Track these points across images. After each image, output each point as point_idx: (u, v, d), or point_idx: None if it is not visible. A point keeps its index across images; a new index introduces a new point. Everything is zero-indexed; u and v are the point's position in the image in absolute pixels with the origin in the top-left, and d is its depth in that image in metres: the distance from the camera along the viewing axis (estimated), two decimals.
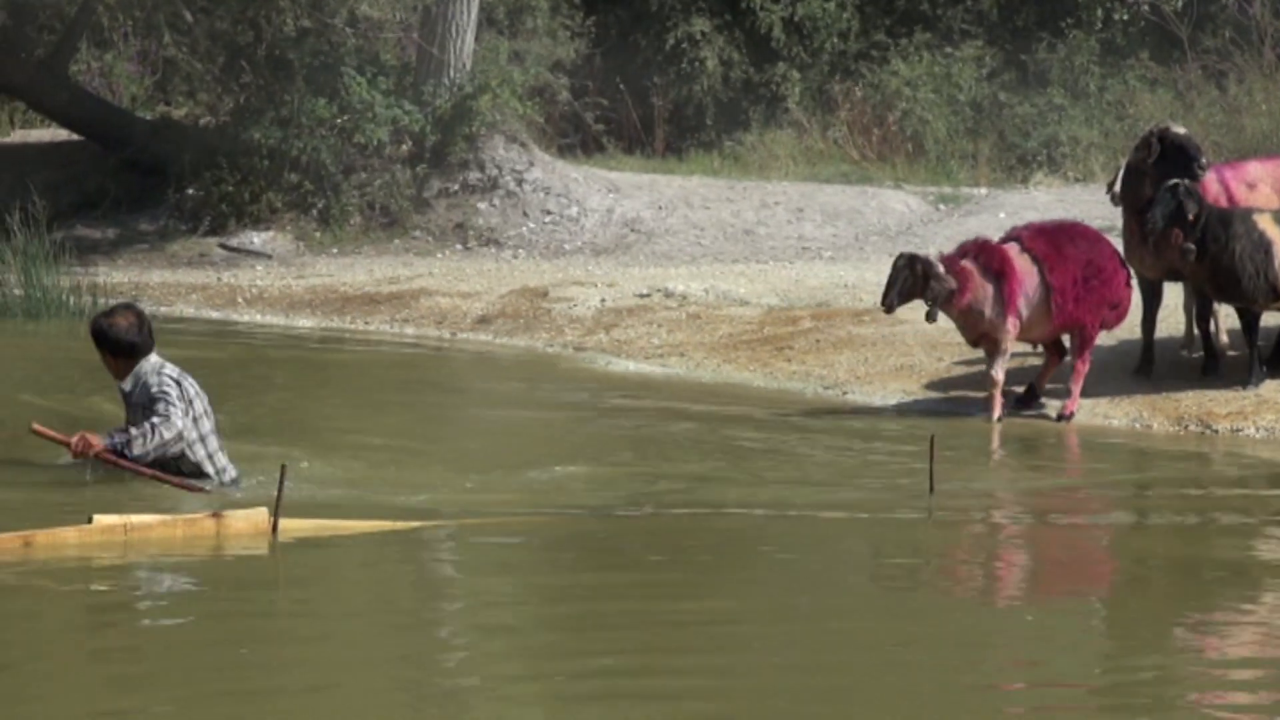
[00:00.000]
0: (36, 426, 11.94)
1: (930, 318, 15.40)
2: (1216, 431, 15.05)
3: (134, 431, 11.98)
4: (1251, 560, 11.32)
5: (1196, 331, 16.27)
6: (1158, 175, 15.55)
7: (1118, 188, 16.05)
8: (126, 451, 11.90)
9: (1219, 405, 15.43)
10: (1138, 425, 15.31)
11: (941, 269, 15.05)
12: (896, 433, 14.71)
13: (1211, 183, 16.18)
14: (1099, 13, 30.57)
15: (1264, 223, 15.54)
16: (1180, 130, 16.18)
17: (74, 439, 11.84)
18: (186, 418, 12.18)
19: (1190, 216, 15.12)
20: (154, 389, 12.17)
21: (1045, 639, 9.34)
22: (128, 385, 12.40)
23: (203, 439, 12.28)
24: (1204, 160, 15.86)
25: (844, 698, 8.16)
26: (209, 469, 12.16)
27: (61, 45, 27.99)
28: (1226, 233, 15.30)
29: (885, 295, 15.26)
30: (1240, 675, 8.73)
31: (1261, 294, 15.51)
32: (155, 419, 12.00)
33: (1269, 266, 15.39)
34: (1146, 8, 30.38)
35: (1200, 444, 14.77)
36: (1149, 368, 15.99)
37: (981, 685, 8.44)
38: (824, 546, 11.21)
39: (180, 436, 12.06)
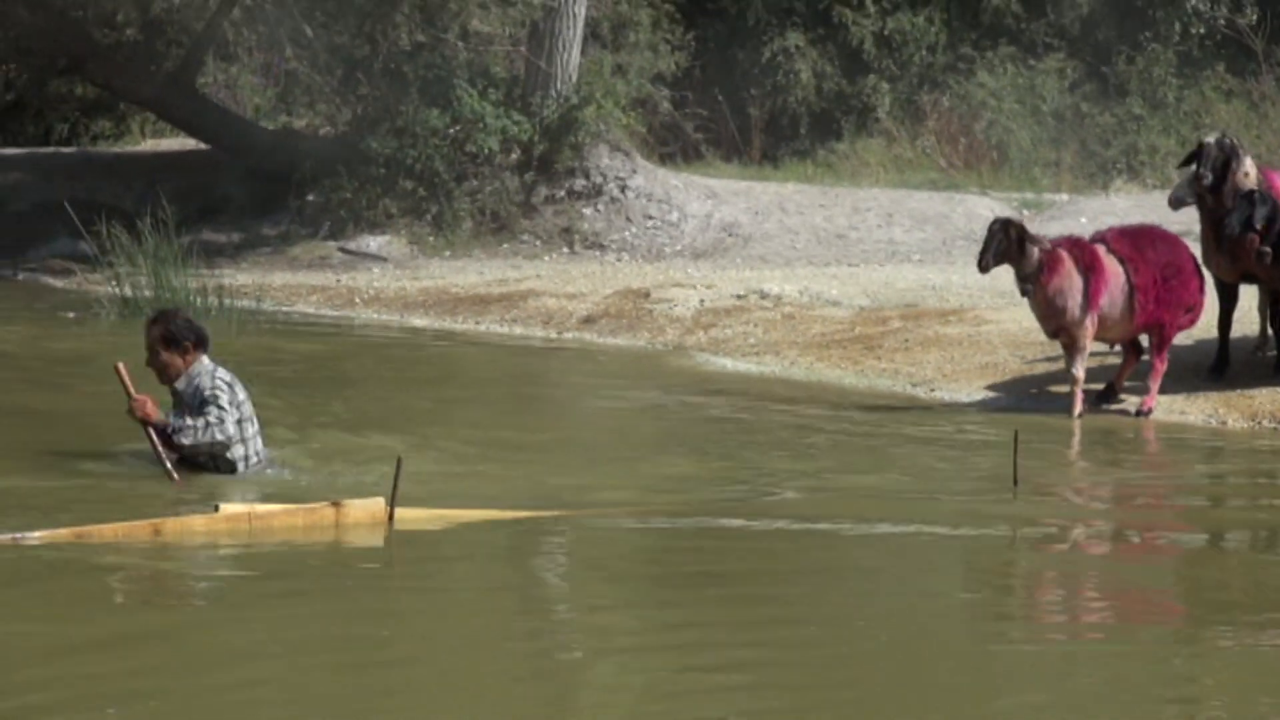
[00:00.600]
0: (120, 365, 12.02)
1: (1023, 291, 15.31)
2: None
3: (189, 421, 11.96)
4: None
5: (1270, 332, 16.18)
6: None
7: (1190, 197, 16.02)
8: (175, 437, 11.93)
9: None
10: (1213, 421, 15.22)
11: (1032, 232, 15.12)
12: (981, 428, 14.64)
13: None
14: (1176, 26, 30.41)
15: None
16: (1208, 139, 16.06)
17: (139, 397, 11.90)
18: (236, 423, 12.07)
19: (1263, 223, 15.07)
20: (206, 391, 12.07)
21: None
22: (181, 384, 12.21)
23: (244, 440, 12.16)
24: (1204, 170, 15.57)
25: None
26: (241, 466, 12.14)
27: (189, 59, 28.11)
28: None
29: (981, 257, 15.25)
30: None
31: None
32: (210, 419, 11.97)
33: None
34: (1222, 22, 30.23)
35: (1275, 439, 14.67)
36: (1224, 366, 15.89)
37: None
38: (914, 540, 11.18)
39: (228, 442, 12.02)
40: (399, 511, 10.71)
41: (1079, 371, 15.22)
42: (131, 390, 11.93)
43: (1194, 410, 15.42)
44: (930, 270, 21.95)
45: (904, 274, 21.74)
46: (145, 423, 11.87)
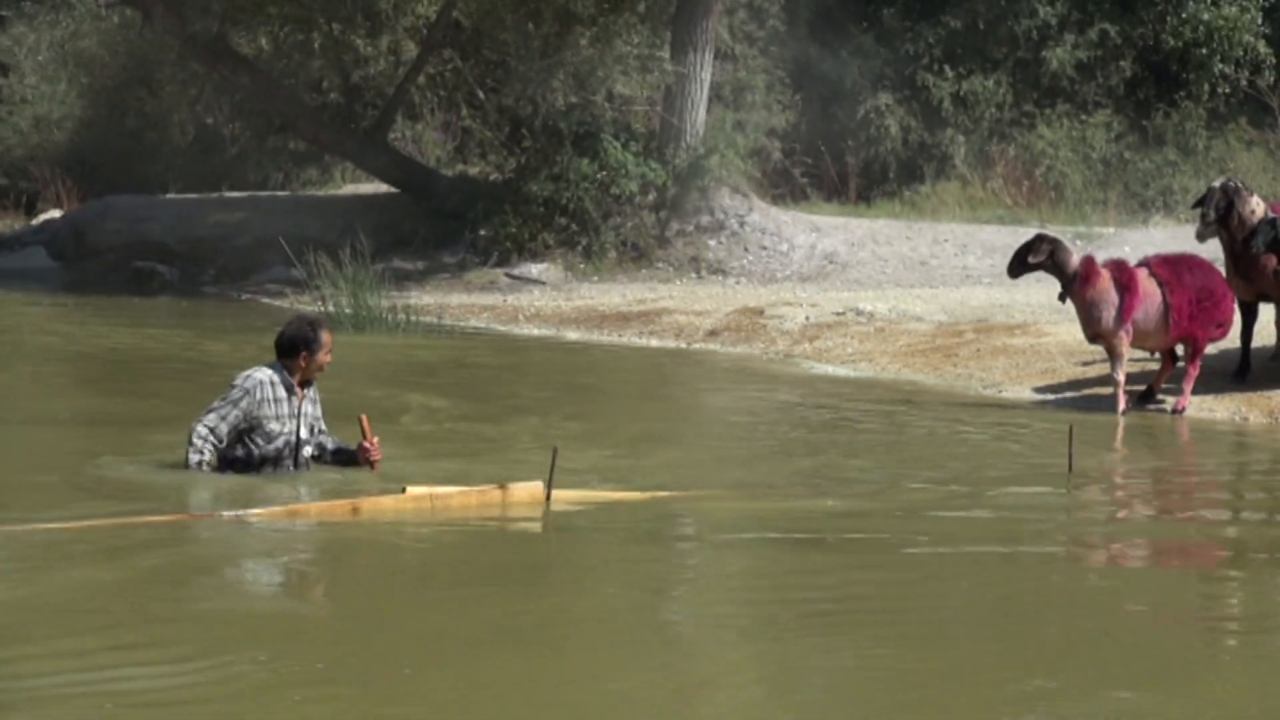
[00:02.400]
0: (364, 418, 11.50)
1: (1060, 297, 15.29)
2: None
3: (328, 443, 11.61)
4: None
5: None
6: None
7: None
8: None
9: None
10: (1237, 418, 15.08)
11: (1070, 251, 15.02)
12: (1041, 423, 14.55)
13: None
14: (1205, 87, 30.24)
15: None
16: (1215, 183, 16.11)
17: (371, 442, 11.36)
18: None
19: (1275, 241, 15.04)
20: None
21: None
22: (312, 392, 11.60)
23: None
24: (1207, 209, 15.63)
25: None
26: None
27: (382, 118, 28.25)
28: None
29: (1011, 265, 15.35)
30: None
31: None
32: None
33: None
34: (1244, 83, 30.08)
35: None
36: (1246, 371, 15.77)
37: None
38: (985, 515, 11.12)
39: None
40: (555, 492, 10.72)
41: (1120, 375, 15.12)
42: (368, 436, 11.40)
43: (1221, 409, 15.29)
44: (998, 291, 21.82)
45: (976, 294, 21.63)
46: (373, 465, 11.45)
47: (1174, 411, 15.23)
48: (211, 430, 11.10)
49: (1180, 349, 15.54)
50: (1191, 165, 28.56)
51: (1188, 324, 15.18)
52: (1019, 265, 15.45)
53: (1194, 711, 7.09)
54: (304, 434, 11.35)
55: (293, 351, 11.24)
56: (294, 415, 11.30)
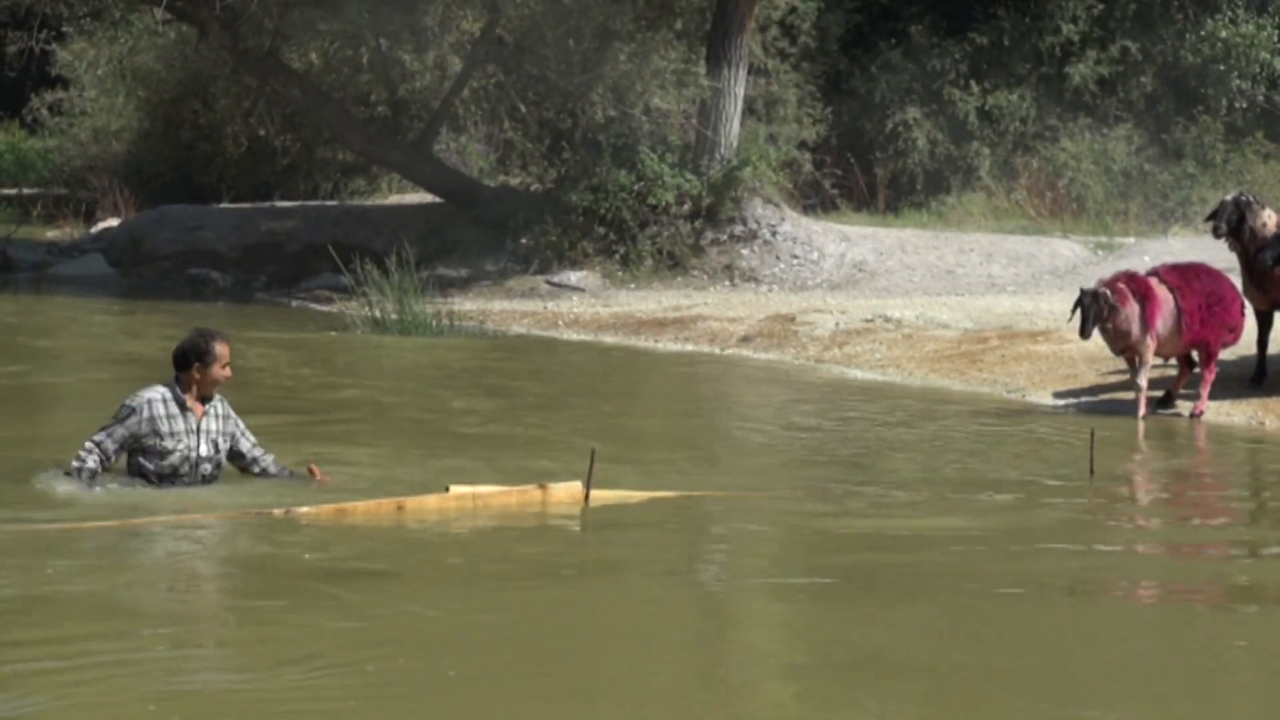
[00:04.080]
0: (314, 468, 11.22)
1: (1085, 334, 15.20)
2: None
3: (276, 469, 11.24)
4: None
5: None
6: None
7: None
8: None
9: None
10: (1254, 422, 15.01)
11: (1110, 296, 14.93)
12: (1063, 426, 14.51)
13: None
14: (1223, 102, 30.23)
15: None
16: (1227, 197, 16.24)
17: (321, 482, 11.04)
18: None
19: None
20: (235, 417, 11.14)
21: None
22: (218, 402, 11.08)
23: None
24: (1218, 222, 15.85)
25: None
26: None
27: (427, 131, 28.29)
28: None
29: (1083, 330, 15.07)
30: None
31: None
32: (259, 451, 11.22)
33: None
34: (1261, 98, 30.05)
35: None
36: (1263, 377, 15.70)
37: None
38: (1005, 514, 11.09)
39: None
40: (592, 492, 10.72)
41: (1143, 381, 15.08)
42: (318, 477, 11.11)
43: (1238, 413, 15.23)
44: (1022, 299, 21.78)
45: (1001, 302, 21.57)
46: None
47: (1192, 416, 15.16)
48: (98, 444, 10.66)
49: (1194, 355, 15.50)
50: (1210, 178, 28.52)
51: (1200, 328, 15.15)
52: (1092, 326, 15.21)
53: None
54: (205, 450, 10.83)
55: (185, 364, 10.79)
56: (191, 431, 10.80)
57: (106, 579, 8.80)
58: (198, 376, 10.77)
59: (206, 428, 10.88)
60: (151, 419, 10.69)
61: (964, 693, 7.17)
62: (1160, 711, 7.02)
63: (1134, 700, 7.10)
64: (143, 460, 10.74)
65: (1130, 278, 15.31)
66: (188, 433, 10.80)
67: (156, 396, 10.75)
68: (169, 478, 10.75)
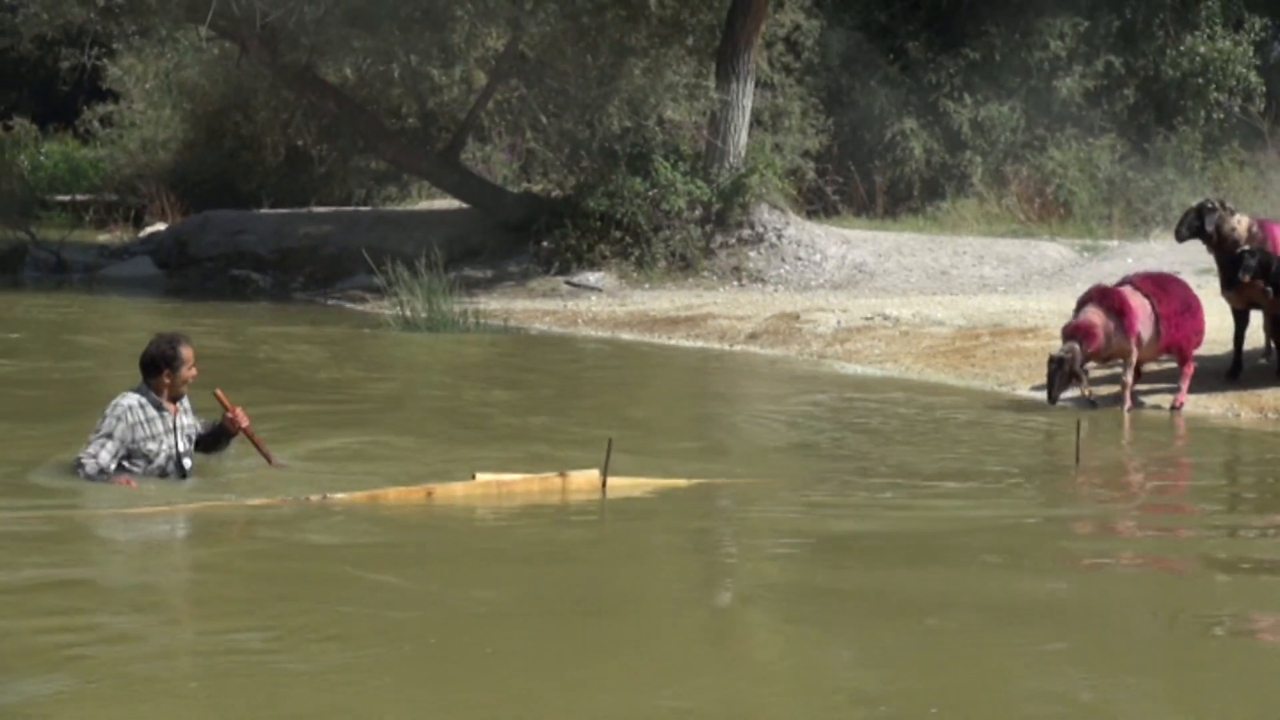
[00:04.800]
0: (218, 390, 10.95)
1: (1052, 400, 14.98)
2: None
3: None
4: None
5: (1273, 344, 15.97)
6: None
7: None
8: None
9: None
10: (1230, 414, 15.01)
11: (1079, 359, 14.79)
12: (1050, 418, 14.50)
13: None
14: (1202, 113, 30.25)
15: None
16: (1194, 203, 16.69)
17: (234, 411, 10.85)
18: None
19: (1251, 273, 15.04)
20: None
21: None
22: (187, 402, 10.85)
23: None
24: (1181, 229, 16.15)
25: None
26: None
27: (455, 141, 28.31)
28: None
29: (1050, 395, 14.92)
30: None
31: None
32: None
33: None
34: (1237, 109, 30.03)
35: (1277, 427, 14.47)
36: (1238, 372, 15.69)
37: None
38: (995, 499, 11.10)
39: None
40: (610, 480, 10.74)
41: (1129, 377, 15.08)
42: (225, 405, 10.89)
43: (1215, 406, 15.22)
44: (1012, 298, 21.77)
45: (992, 301, 21.56)
46: (245, 431, 10.91)
47: (1172, 408, 15.16)
48: (94, 457, 10.39)
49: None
50: (1189, 184, 28.49)
51: (1175, 333, 15.15)
52: (1058, 393, 15.00)
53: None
54: (183, 446, 10.69)
55: (155, 370, 10.56)
56: (169, 430, 10.64)
57: (151, 563, 8.82)
58: (167, 380, 10.56)
59: (181, 424, 10.73)
60: (134, 425, 10.50)
61: (953, 631, 7.19)
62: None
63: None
64: (128, 465, 10.52)
65: (1103, 294, 15.20)
66: (166, 432, 10.63)
67: (134, 403, 10.54)
68: (156, 479, 10.56)
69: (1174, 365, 15.72)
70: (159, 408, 10.60)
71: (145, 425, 10.54)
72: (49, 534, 9.18)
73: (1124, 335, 14.91)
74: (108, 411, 10.53)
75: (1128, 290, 15.18)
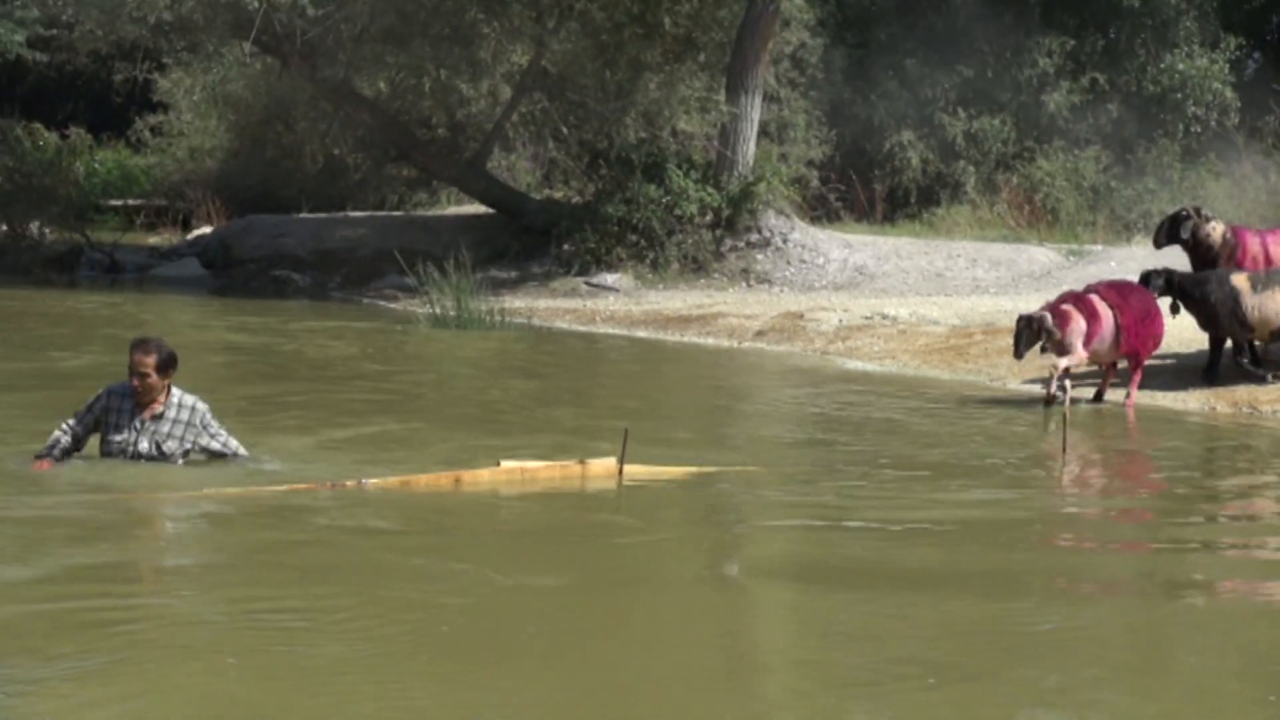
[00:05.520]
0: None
1: (1018, 355, 14.96)
2: (1261, 412, 14.72)
3: (231, 449, 10.48)
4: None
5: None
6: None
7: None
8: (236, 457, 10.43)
9: (1262, 394, 15.10)
10: (1206, 408, 14.99)
11: (1050, 321, 14.69)
12: (1039, 410, 14.48)
13: (1254, 245, 16.03)
14: (1180, 126, 30.24)
15: (1237, 280, 15.18)
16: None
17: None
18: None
19: (1159, 291, 15.21)
20: (203, 412, 10.42)
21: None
22: (162, 407, 10.29)
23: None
24: (1157, 235, 16.56)
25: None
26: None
27: (481, 150, 28.31)
28: (1202, 291, 15.02)
29: (1016, 349, 14.84)
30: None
31: (1236, 328, 15.19)
32: (234, 443, 10.50)
33: (1239, 310, 15.04)
34: (1214, 123, 29.99)
35: (1248, 421, 14.46)
36: (1215, 370, 15.66)
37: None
38: (994, 484, 11.09)
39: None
40: (626, 467, 10.74)
41: (1060, 373, 14.68)
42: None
43: (1193, 401, 15.20)
44: (1003, 299, 21.76)
45: (984, 302, 21.55)
46: None
47: (1124, 404, 15.04)
48: (70, 427, 10.26)
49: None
50: (1168, 193, 28.44)
51: (1134, 340, 14.99)
52: (1024, 349, 14.87)
53: None
54: (143, 447, 10.25)
55: (129, 373, 10.27)
56: (135, 429, 10.27)
57: (194, 544, 8.83)
58: (135, 384, 10.26)
59: (155, 429, 10.32)
60: (105, 409, 10.33)
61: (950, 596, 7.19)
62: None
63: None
64: (102, 444, 10.36)
65: (1076, 299, 15.06)
66: (130, 429, 10.33)
67: (117, 389, 10.34)
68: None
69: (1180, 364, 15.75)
70: (135, 405, 10.32)
71: (114, 414, 10.32)
72: (92, 519, 9.18)
73: (1084, 343, 14.77)
74: (199, 406, 10.48)
75: (1096, 299, 15.03)
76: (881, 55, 32.30)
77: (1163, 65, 30.68)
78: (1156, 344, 15.39)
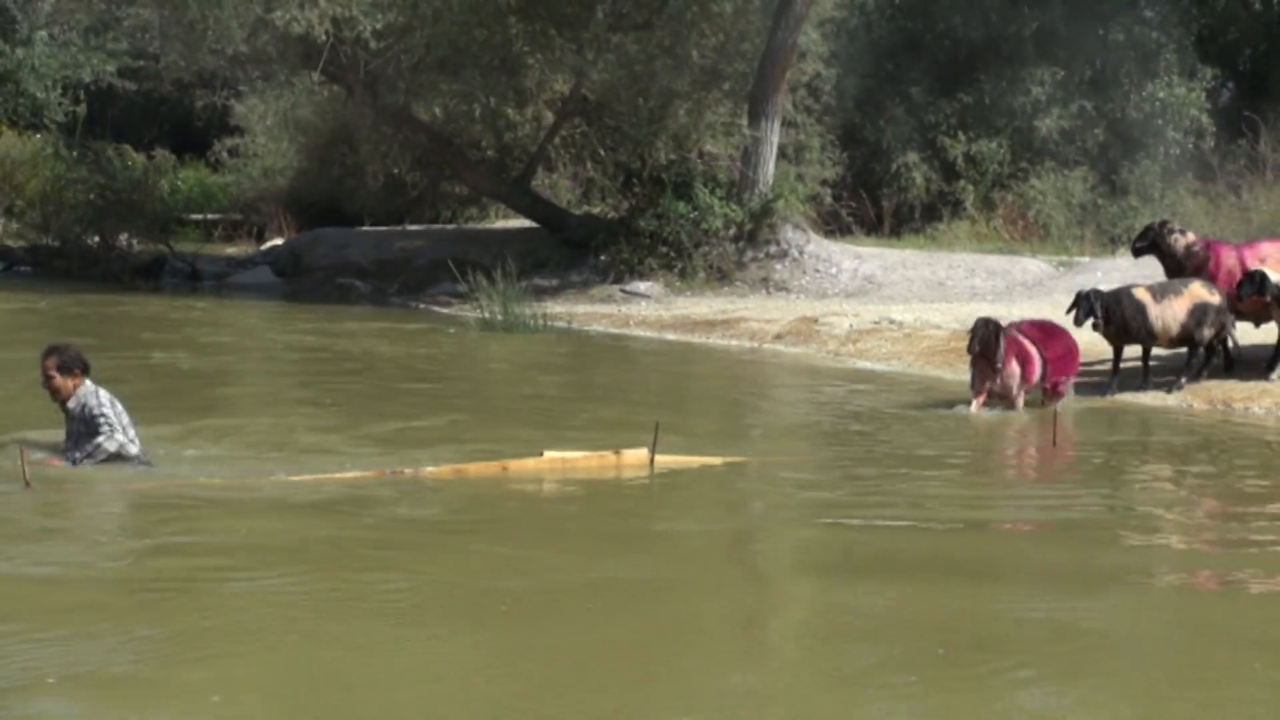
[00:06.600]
0: (23, 451, 9.62)
1: (971, 350, 14.21)
2: (1234, 408, 14.64)
3: (87, 449, 10.00)
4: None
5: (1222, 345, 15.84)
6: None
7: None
8: (83, 464, 10.00)
9: (1236, 393, 15.00)
10: (1185, 405, 14.90)
11: (1001, 338, 14.07)
12: (1032, 407, 14.40)
13: (1230, 257, 15.84)
14: (1161, 149, 30.05)
15: (1140, 293, 15.05)
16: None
17: (51, 461, 10.05)
18: (120, 433, 10.08)
19: (1090, 311, 14.91)
20: (94, 410, 10.05)
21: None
22: (71, 404, 10.11)
23: (132, 441, 10.15)
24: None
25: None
26: (136, 453, 10.18)
27: (527, 170, 28.32)
28: (1119, 306, 14.92)
29: (970, 347, 14.20)
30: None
31: (1146, 336, 15.07)
32: (100, 438, 10.02)
33: (1145, 320, 14.91)
34: (1192, 146, 29.87)
35: (1224, 417, 14.37)
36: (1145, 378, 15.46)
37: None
38: (988, 470, 11.05)
39: (118, 452, 10.08)
40: (657, 457, 10.73)
41: (981, 395, 14.15)
42: (26, 465, 9.49)
43: (1172, 399, 15.09)
44: (999, 305, 21.64)
45: (982, 308, 21.37)
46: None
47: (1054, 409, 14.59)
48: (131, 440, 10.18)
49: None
50: (1149, 210, 28.27)
51: (1056, 375, 14.54)
52: (976, 345, 14.11)
53: None
54: (65, 444, 10.22)
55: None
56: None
57: (266, 528, 8.83)
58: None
59: (70, 426, 10.22)
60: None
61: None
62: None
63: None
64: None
65: (1011, 341, 14.27)
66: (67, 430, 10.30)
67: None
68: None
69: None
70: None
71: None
72: (162, 504, 9.19)
73: (1022, 384, 14.21)
74: (94, 404, 10.15)
75: (1025, 340, 14.45)
76: (889, 84, 32.24)
77: (1145, 93, 30.53)
78: (1072, 376, 14.96)
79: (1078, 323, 14.98)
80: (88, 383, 10.19)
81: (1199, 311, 15.05)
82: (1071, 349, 14.89)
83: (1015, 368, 14.24)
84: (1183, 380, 15.24)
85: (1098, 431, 13.67)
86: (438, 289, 26.15)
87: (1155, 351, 15.49)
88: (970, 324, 17.73)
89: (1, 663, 6.05)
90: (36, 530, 8.56)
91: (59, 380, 10.08)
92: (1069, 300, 15.61)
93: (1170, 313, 15.03)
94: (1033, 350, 14.43)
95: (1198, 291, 15.13)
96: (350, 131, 31.55)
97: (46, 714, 5.62)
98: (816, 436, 12.87)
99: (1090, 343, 15.86)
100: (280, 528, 8.69)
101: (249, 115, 35.59)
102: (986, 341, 14.08)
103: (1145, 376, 15.37)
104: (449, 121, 28.16)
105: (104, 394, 10.20)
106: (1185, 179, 29.23)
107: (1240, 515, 9.84)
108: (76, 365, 10.13)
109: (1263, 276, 15.08)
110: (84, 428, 10.12)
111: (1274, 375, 15.28)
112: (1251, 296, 15.15)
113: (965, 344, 14.49)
